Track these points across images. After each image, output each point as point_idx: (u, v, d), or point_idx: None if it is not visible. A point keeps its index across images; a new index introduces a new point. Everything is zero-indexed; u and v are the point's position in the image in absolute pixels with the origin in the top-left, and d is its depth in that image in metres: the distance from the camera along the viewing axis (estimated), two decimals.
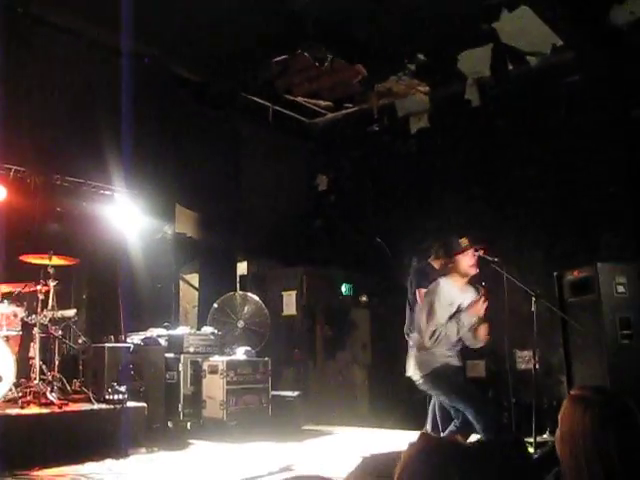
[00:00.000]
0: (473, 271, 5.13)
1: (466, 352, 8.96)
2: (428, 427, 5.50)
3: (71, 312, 6.78)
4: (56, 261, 6.44)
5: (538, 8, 7.42)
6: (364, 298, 9.76)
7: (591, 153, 8.42)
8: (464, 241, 5.28)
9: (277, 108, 10.20)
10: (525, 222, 8.87)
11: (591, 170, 8.39)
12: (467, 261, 5.08)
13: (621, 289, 6.73)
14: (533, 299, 5.58)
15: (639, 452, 1.87)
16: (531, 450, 5.23)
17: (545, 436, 6.21)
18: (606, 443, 1.87)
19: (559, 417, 2.06)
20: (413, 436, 1.59)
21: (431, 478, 1.37)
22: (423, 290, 5.61)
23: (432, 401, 5.61)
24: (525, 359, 7.82)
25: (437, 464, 1.38)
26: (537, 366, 5.51)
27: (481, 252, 5.51)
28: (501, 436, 3.94)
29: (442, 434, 5.07)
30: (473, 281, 5.71)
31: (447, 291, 4.93)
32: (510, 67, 9.13)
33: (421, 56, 9.05)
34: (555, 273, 6.93)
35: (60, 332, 6.40)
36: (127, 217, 7.70)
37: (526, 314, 5.70)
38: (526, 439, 6.05)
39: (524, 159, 9.02)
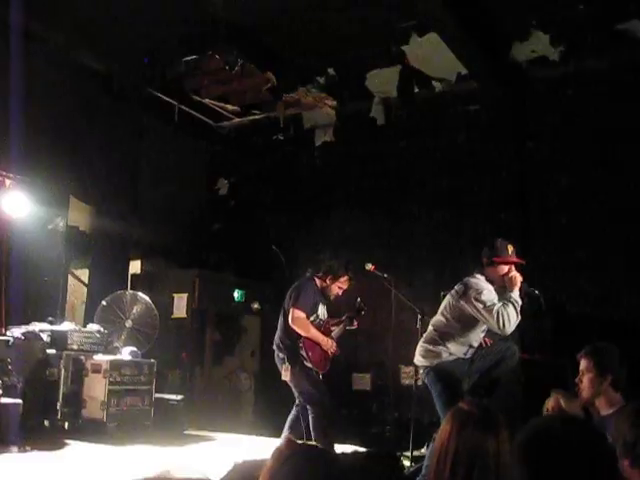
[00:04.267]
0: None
1: (353, 365, 9.14)
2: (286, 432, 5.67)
3: None
4: None
5: (445, 37, 7.67)
6: (256, 305, 9.75)
7: (486, 179, 8.77)
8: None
9: (183, 107, 10.06)
10: (420, 241, 9.11)
11: (485, 195, 8.73)
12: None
13: None
14: (419, 316, 5.75)
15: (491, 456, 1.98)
16: (407, 463, 5.36)
17: (423, 450, 6.36)
18: (451, 447, 1.98)
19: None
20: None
21: None
22: (298, 311, 5.66)
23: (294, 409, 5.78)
24: (409, 374, 8.01)
25: (301, 470, 1.40)
26: (419, 382, 5.66)
27: (372, 268, 5.67)
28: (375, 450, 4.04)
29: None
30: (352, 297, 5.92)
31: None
32: (416, 90, 9.38)
33: (331, 71, 9.18)
34: (442, 293, 7.15)
35: None
36: (17, 205, 7.35)
37: (413, 331, 5.85)
38: (405, 453, 6.22)
39: (423, 180, 9.28)
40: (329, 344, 5.80)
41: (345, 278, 5.92)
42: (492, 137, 8.82)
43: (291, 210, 10.26)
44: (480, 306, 4.86)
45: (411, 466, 5.78)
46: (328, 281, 5.92)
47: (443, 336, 5.10)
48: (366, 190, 9.69)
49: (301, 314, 5.68)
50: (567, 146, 8.42)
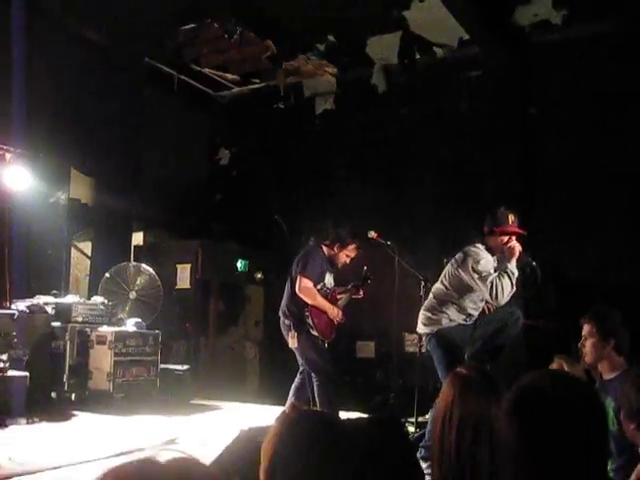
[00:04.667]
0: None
1: (357, 333, 9.17)
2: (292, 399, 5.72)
3: None
4: None
5: (447, 1, 7.57)
6: (259, 275, 9.77)
7: (489, 146, 8.72)
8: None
9: (183, 77, 9.99)
10: (422, 210, 9.10)
11: (488, 163, 8.69)
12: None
13: None
14: (422, 284, 5.76)
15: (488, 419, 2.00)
16: (411, 429, 5.41)
17: (427, 416, 6.41)
18: (455, 413, 1.99)
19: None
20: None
21: (296, 449, 1.39)
22: (305, 279, 5.66)
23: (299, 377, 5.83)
24: (413, 342, 8.05)
25: (303, 435, 1.41)
26: (423, 349, 5.69)
27: (375, 235, 5.67)
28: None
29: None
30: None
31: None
32: (418, 56, 9.30)
33: (331, 38, 9.10)
34: (445, 259, 7.15)
35: None
36: (18, 179, 7.34)
37: (417, 298, 5.87)
38: (409, 419, 6.26)
39: (425, 148, 9.24)
40: (335, 312, 5.81)
41: (353, 246, 5.92)
42: (495, 103, 8.74)
43: (293, 179, 10.23)
44: (476, 275, 4.93)
45: (416, 432, 5.84)
46: (336, 249, 5.92)
47: (442, 303, 5.15)
48: (368, 158, 9.65)
49: (308, 282, 5.68)
50: (571, 111, 8.35)
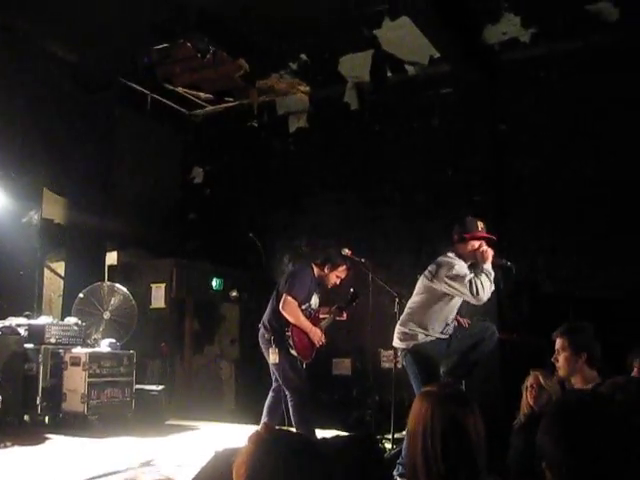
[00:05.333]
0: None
1: (333, 350, 9.17)
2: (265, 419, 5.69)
3: None
4: None
5: (418, 20, 7.67)
6: (234, 293, 9.73)
7: (460, 161, 8.82)
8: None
9: (156, 96, 9.99)
10: (395, 225, 9.15)
11: (459, 177, 8.79)
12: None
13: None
14: (396, 300, 5.78)
15: (463, 433, 2.02)
16: (388, 446, 5.42)
17: (404, 433, 6.40)
18: (437, 425, 2.02)
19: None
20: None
21: (270, 469, 1.39)
22: (290, 298, 5.65)
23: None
24: (389, 358, 8.06)
25: (276, 456, 1.41)
26: (398, 364, 5.70)
27: (349, 253, 5.67)
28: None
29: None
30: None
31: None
32: (389, 74, 9.40)
33: (303, 56, 9.15)
34: (418, 275, 7.19)
35: None
36: None
37: (391, 315, 5.88)
38: (386, 436, 6.27)
39: (397, 164, 9.31)
40: (317, 335, 5.78)
41: (343, 267, 5.89)
42: (465, 120, 8.86)
43: (266, 197, 10.24)
44: (452, 281, 4.95)
45: (393, 448, 5.83)
46: (326, 270, 5.89)
47: (417, 317, 5.16)
48: (341, 175, 9.70)
49: (293, 302, 5.63)
50: (539, 128, 8.49)
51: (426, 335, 5.10)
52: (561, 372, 3.80)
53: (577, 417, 1.58)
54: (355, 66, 9.31)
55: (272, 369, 5.78)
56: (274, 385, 5.88)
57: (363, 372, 8.80)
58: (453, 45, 8.37)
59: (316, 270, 5.91)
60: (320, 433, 5.65)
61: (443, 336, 5.15)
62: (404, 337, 5.16)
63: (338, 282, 5.94)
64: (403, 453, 4.73)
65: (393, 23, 8.23)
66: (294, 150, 10.36)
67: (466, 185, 8.65)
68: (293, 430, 4.04)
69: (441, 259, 5.15)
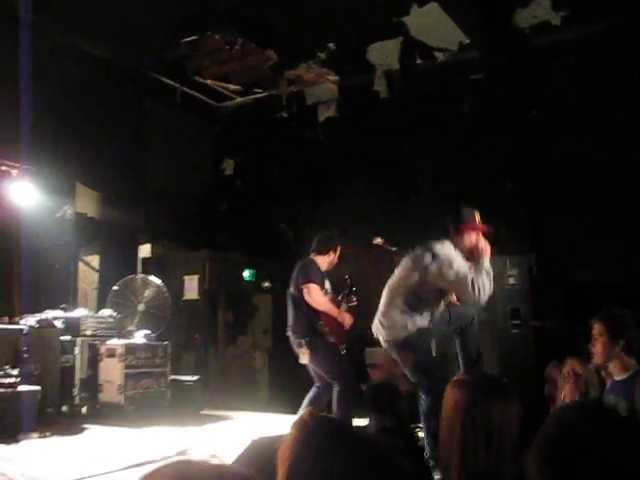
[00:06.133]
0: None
1: (365, 339, 9.14)
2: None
3: None
4: None
5: (446, 6, 7.59)
6: (267, 283, 9.77)
7: (490, 149, 8.72)
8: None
9: (185, 89, 10.05)
10: (426, 213, 9.09)
11: (489, 165, 8.69)
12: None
13: (512, 281, 7.06)
14: None
15: (506, 423, 2.00)
16: (421, 435, 5.39)
17: None
18: (478, 416, 2.00)
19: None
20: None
21: (315, 457, 1.40)
22: (313, 284, 5.64)
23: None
24: None
25: (326, 444, 1.41)
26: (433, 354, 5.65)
27: (381, 242, 5.63)
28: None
29: None
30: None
31: None
32: (418, 61, 9.33)
33: (332, 45, 9.12)
34: None
35: None
36: (25, 194, 7.39)
37: None
38: (419, 425, 6.24)
39: (426, 152, 9.24)
40: (346, 317, 5.79)
41: (338, 246, 5.97)
42: (496, 106, 8.75)
43: (297, 186, 10.25)
44: (451, 278, 4.61)
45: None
46: (331, 254, 5.92)
47: (408, 306, 4.77)
48: (371, 164, 9.66)
49: (316, 287, 5.64)
50: (571, 112, 8.36)
51: (415, 325, 4.76)
52: (598, 359, 3.76)
53: (563, 447, 1.36)
54: (384, 54, 9.25)
55: (311, 368, 5.78)
56: (318, 382, 5.84)
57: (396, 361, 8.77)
58: (483, 30, 8.28)
59: (320, 260, 5.90)
60: (355, 422, 5.65)
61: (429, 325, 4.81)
62: (394, 326, 4.84)
63: (336, 260, 6.00)
64: (427, 441, 4.65)
65: (421, 9, 8.17)
66: (323, 140, 10.34)
67: (497, 171, 8.56)
68: (336, 417, 4.04)
69: (438, 250, 4.71)
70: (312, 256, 5.98)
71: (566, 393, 4.51)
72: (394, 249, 6.05)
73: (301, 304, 5.73)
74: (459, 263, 4.66)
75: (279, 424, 6.64)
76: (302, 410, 5.66)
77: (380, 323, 4.90)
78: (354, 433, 1.50)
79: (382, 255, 5.97)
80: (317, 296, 5.63)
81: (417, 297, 4.73)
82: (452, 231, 4.85)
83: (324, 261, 5.91)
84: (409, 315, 4.72)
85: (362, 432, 1.56)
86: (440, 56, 9.17)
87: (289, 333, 5.87)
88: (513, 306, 6.96)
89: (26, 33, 7.19)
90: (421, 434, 5.33)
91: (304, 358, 5.68)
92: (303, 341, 5.65)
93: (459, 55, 9.01)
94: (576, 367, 4.51)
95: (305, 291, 5.65)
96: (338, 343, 5.73)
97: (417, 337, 4.72)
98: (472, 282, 4.57)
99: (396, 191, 9.37)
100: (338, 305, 5.93)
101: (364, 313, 6.39)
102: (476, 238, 4.80)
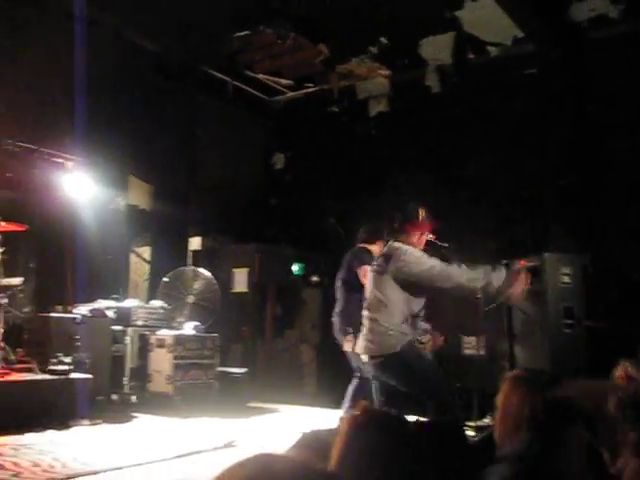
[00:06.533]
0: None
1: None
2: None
3: (17, 280, 6.61)
4: (4, 227, 6.29)
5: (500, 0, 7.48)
6: (315, 278, 9.79)
7: (543, 145, 8.57)
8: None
9: (237, 84, 10.11)
10: (478, 210, 8.98)
11: (542, 161, 8.54)
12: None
13: (566, 279, 6.92)
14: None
15: (562, 419, 1.97)
16: (472, 433, 5.34)
17: (486, 420, 6.32)
18: (534, 411, 1.97)
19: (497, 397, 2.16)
20: None
21: (366, 451, 1.39)
22: (367, 267, 5.57)
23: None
24: (471, 344, 7.95)
25: (377, 439, 1.40)
26: (481, 352, 5.61)
27: (433, 238, 5.55)
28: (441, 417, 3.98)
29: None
30: None
31: None
32: (471, 56, 9.21)
33: (383, 40, 9.06)
34: (504, 261, 7.04)
35: (5, 300, 6.24)
36: (79, 186, 7.56)
37: (472, 301, 5.78)
38: (468, 423, 6.19)
39: (479, 148, 9.12)
40: None
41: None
42: (551, 101, 8.58)
43: (347, 182, 10.22)
44: (413, 265, 4.42)
45: (475, 436, 5.76)
46: (379, 243, 5.90)
47: (382, 317, 4.50)
48: (422, 159, 9.58)
49: None
50: (629, 108, 8.14)
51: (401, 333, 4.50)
52: None
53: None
54: (436, 48, 9.16)
55: (351, 356, 5.77)
56: (357, 372, 5.86)
57: (444, 358, 8.70)
58: (538, 24, 8.12)
59: (372, 248, 5.91)
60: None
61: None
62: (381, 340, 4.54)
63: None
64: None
65: (475, 3, 8.06)
66: (375, 134, 10.29)
67: (551, 168, 8.40)
68: (388, 412, 4.01)
69: (392, 250, 4.54)
70: (364, 246, 6.02)
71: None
72: (445, 245, 5.99)
73: (356, 287, 5.69)
74: (414, 249, 4.56)
75: (326, 418, 6.65)
76: (346, 404, 5.64)
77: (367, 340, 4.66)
78: (405, 428, 1.48)
79: (433, 251, 5.90)
80: None
81: (385, 304, 4.51)
82: (397, 229, 4.70)
83: (374, 250, 5.92)
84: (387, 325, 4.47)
85: (413, 429, 1.53)
86: (493, 50, 9.04)
87: (334, 319, 5.88)
88: (566, 305, 6.83)
89: (81, 27, 7.32)
90: (471, 433, 5.28)
91: (347, 346, 5.68)
92: (350, 328, 5.65)
93: (513, 49, 8.86)
94: (629, 370, 4.39)
95: (361, 273, 5.65)
96: None
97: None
98: (436, 265, 4.47)
99: (447, 186, 9.26)
100: None
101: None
102: (420, 237, 4.70)
